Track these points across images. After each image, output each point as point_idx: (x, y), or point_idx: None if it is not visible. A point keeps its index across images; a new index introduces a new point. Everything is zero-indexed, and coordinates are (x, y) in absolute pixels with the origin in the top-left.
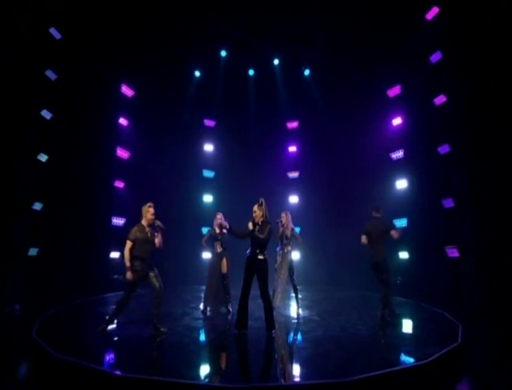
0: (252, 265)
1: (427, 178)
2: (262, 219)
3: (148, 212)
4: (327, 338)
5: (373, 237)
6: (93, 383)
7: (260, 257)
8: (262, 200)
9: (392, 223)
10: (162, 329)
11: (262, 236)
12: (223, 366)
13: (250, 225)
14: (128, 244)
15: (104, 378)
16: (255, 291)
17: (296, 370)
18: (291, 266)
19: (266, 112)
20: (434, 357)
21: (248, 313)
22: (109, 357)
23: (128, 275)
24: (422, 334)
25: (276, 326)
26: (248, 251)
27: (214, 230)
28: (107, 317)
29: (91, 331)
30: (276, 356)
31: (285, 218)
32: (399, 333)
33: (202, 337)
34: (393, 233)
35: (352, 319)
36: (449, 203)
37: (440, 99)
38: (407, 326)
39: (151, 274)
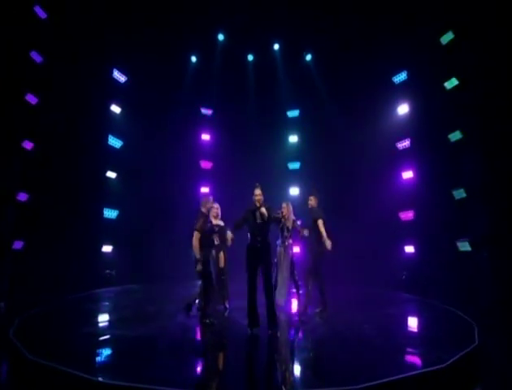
0: (257, 253)
1: (436, 168)
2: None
3: (212, 208)
4: (332, 338)
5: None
6: (70, 389)
7: (265, 243)
8: (258, 183)
9: (319, 213)
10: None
11: (279, 216)
12: (217, 371)
13: (263, 210)
14: (197, 235)
15: (82, 384)
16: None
17: (299, 375)
18: (292, 261)
19: (266, 100)
20: (452, 360)
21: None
22: (90, 360)
23: (199, 266)
24: (434, 334)
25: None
26: (249, 239)
27: (211, 221)
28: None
29: (74, 331)
30: (277, 359)
31: (286, 209)
32: (409, 333)
33: (196, 337)
34: (305, 232)
35: (357, 317)
36: (460, 194)
37: (452, 83)
38: (417, 325)
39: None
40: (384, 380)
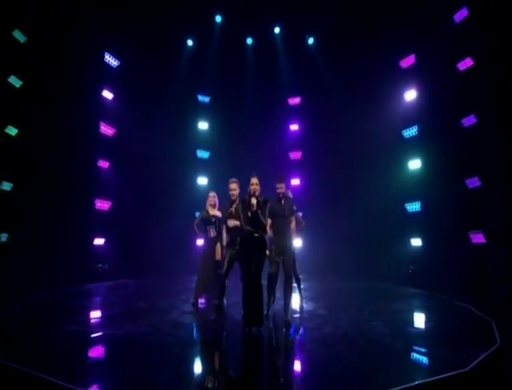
0: (249, 244)
1: (446, 155)
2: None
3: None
4: (338, 337)
5: None
6: None
7: (257, 234)
8: (254, 172)
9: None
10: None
11: (265, 222)
12: (211, 374)
13: (254, 201)
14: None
15: None
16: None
17: (303, 379)
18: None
19: (266, 86)
20: (475, 362)
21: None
22: (70, 363)
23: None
24: (450, 333)
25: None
26: (243, 233)
27: (207, 211)
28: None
29: (57, 330)
30: (279, 363)
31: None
32: (422, 331)
33: (190, 336)
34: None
35: (364, 314)
36: (473, 182)
37: (466, 63)
38: (430, 322)
39: None
40: (403, 387)
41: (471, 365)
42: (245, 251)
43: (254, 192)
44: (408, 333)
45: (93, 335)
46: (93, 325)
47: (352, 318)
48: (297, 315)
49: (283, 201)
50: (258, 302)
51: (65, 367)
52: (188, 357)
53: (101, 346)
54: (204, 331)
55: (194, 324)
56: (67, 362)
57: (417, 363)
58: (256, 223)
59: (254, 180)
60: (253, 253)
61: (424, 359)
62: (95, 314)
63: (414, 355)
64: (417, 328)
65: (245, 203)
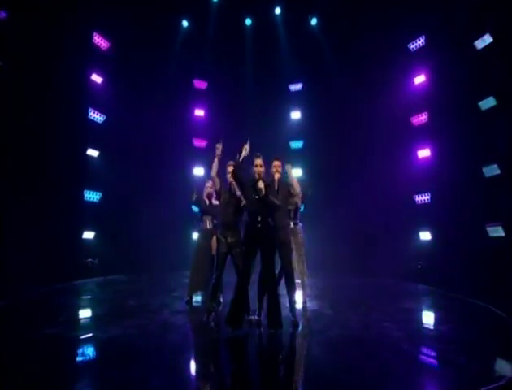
0: (256, 235)
1: (459, 143)
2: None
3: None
4: (348, 340)
5: None
6: None
7: (266, 223)
8: (259, 153)
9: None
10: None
11: (279, 203)
12: (203, 387)
13: (261, 185)
14: None
15: None
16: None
17: None
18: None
19: (266, 71)
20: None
21: (247, 304)
22: (36, 375)
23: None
24: (471, 335)
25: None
26: (247, 218)
27: (204, 201)
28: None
29: (34, 332)
30: (281, 370)
31: (294, 183)
32: (440, 334)
33: (181, 339)
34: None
35: (374, 313)
36: (492, 170)
37: (484, 41)
38: (447, 323)
39: None
40: None
41: (509, 376)
42: (251, 242)
43: (260, 175)
44: (425, 336)
45: (72, 340)
46: (74, 327)
47: (361, 319)
48: (300, 315)
49: (276, 186)
50: (276, 301)
51: (29, 379)
52: (176, 365)
53: (78, 353)
54: (196, 334)
55: (186, 326)
56: (33, 374)
57: (442, 373)
58: (267, 207)
59: (259, 161)
60: (265, 244)
61: (449, 368)
62: (78, 315)
63: (436, 362)
64: (434, 330)
65: (249, 187)
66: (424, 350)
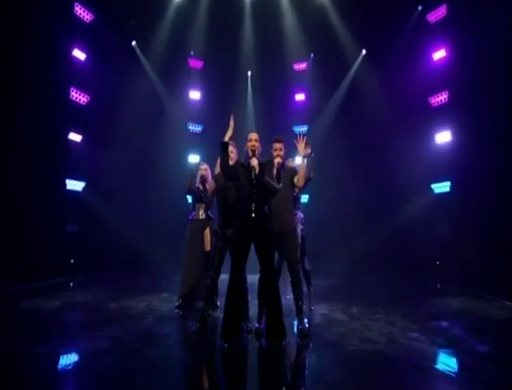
0: (250, 227)
1: (484, 126)
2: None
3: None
4: (371, 357)
5: None
6: None
7: (262, 212)
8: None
9: None
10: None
11: (277, 186)
12: None
13: (255, 162)
14: None
15: None
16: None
17: None
18: (303, 241)
19: (268, 49)
20: None
21: (243, 310)
22: None
23: None
24: None
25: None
26: (240, 207)
27: (198, 187)
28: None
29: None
30: None
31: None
32: (487, 351)
33: (162, 356)
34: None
35: (397, 319)
36: None
37: None
38: (489, 333)
39: None
40: None
41: None
42: (243, 234)
43: (254, 151)
44: (466, 353)
45: (24, 357)
46: (32, 340)
47: (382, 327)
48: (306, 323)
49: (276, 173)
50: (278, 307)
51: None
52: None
53: (28, 376)
54: (182, 349)
55: (171, 337)
56: None
57: None
58: (262, 191)
59: (254, 136)
60: (260, 238)
61: None
62: (43, 322)
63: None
64: (476, 345)
65: (243, 169)
66: (468, 373)
